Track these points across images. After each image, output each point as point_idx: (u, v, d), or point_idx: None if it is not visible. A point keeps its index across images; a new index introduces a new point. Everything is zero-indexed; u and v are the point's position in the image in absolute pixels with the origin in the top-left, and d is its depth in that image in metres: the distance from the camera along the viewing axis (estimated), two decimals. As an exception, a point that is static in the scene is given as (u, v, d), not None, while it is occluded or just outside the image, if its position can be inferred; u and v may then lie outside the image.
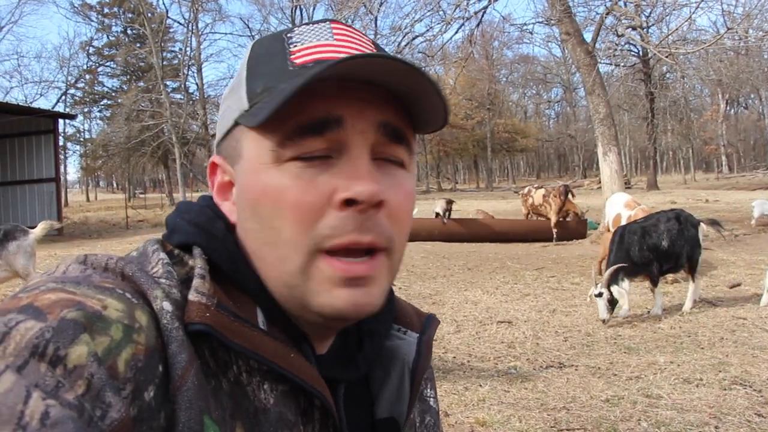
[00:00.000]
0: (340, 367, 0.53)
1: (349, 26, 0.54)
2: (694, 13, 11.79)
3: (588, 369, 3.91)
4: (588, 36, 12.20)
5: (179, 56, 34.80)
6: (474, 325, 5.19)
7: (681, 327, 4.90)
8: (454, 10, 12.76)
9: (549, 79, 52.10)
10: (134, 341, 0.39)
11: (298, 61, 0.49)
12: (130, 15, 36.42)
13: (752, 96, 45.38)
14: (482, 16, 13.42)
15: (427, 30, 13.75)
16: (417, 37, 13.92)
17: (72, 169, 64.01)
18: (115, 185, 61.72)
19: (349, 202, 0.46)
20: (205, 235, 0.50)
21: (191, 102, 31.98)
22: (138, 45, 34.86)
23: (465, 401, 3.38)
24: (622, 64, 23.85)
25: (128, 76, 39.02)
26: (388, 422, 0.56)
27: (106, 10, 38.65)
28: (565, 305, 5.85)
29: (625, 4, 14.06)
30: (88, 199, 45.86)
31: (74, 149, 43.02)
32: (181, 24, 34.06)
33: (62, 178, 25.10)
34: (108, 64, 40.06)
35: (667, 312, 5.42)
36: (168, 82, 32.54)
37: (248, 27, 38.80)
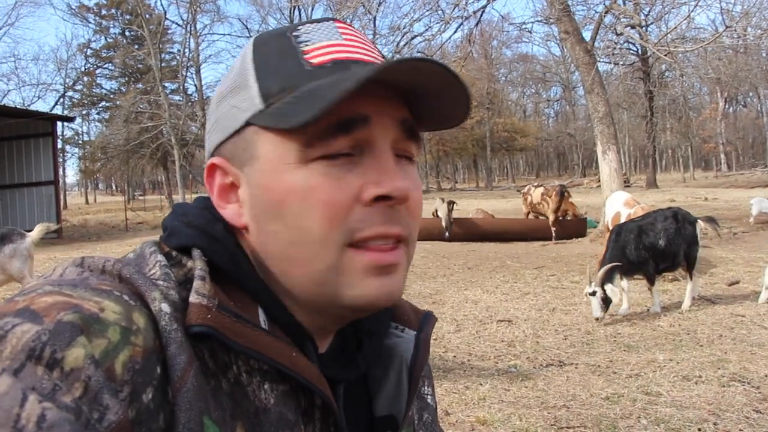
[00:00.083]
0: (340, 367, 0.53)
1: (350, 25, 0.54)
2: (692, 11, 11.82)
3: (588, 367, 3.92)
4: (587, 35, 12.21)
5: (178, 57, 34.82)
6: (474, 324, 5.19)
7: (680, 324, 4.91)
8: (453, 10, 12.75)
9: (548, 78, 52.10)
10: (132, 343, 0.39)
11: (314, 60, 0.49)
12: (128, 16, 36.30)
13: (751, 94, 45.46)
14: (481, 15, 13.43)
15: (426, 29, 13.77)
16: (416, 36, 13.92)
17: (71, 172, 63.99)
18: (114, 187, 61.63)
19: (380, 198, 0.47)
20: (205, 237, 0.50)
21: (190, 103, 31.87)
22: (136, 47, 34.78)
23: (465, 400, 3.38)
24: (621, 63, 23.89)
25: (126, 78, 38.93)
26: (386, 420, 0.57)
27: (103, 12, 38.56)
28: (565, 304, 5.85)
29: (624, 3, 14.10)
30: (87, 202, 45.84)
31: (73, 152, 43.07)
32: (179, 25, 34.12)
33: (61, 180, 25.14)
34: (106, 66, 40.03)
35: (666, 310, 5.42)
36: (166, 84, 32.49)
37: (247, 28, 38.88)
